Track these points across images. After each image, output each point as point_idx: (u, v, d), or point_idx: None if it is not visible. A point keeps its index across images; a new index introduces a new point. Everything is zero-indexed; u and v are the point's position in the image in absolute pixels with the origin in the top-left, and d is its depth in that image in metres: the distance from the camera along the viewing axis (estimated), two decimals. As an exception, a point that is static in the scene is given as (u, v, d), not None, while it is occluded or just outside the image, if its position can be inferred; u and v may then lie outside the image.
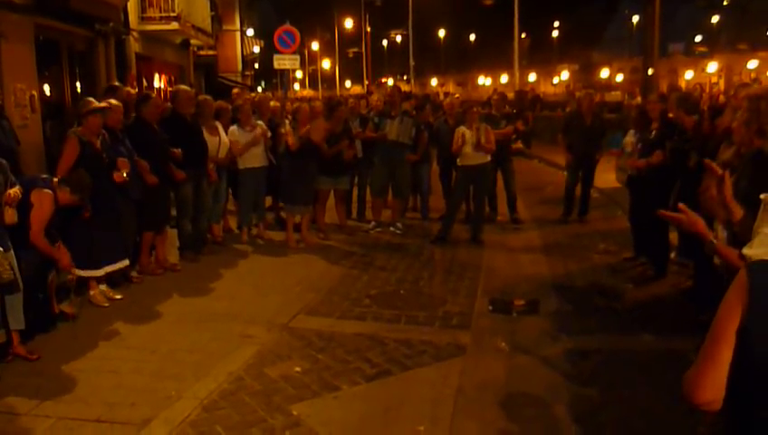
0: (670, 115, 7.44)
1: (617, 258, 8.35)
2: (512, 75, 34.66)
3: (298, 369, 5.13)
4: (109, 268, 6.70)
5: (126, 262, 6.95)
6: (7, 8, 9.83)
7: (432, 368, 5.19)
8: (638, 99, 15.78)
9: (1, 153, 5.86)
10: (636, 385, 4.85)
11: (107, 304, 6.59)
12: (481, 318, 6.36)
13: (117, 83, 8.40)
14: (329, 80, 71.37)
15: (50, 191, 5.51)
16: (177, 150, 7.64)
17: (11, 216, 5.07)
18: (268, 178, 9.31)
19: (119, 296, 6.75)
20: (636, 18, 65.01)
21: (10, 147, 7.09)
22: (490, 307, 6.65)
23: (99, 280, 6.69)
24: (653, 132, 7.55)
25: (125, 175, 6.60)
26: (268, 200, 10.11)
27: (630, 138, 8.12)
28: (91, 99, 6.84)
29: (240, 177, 9.15)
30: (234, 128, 9.00)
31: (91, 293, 6.63)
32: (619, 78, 62.75)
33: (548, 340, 5.79)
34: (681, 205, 2.83)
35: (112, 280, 6.91)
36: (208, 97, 9.23)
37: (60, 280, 6.04)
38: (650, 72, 15.03)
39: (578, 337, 5.80)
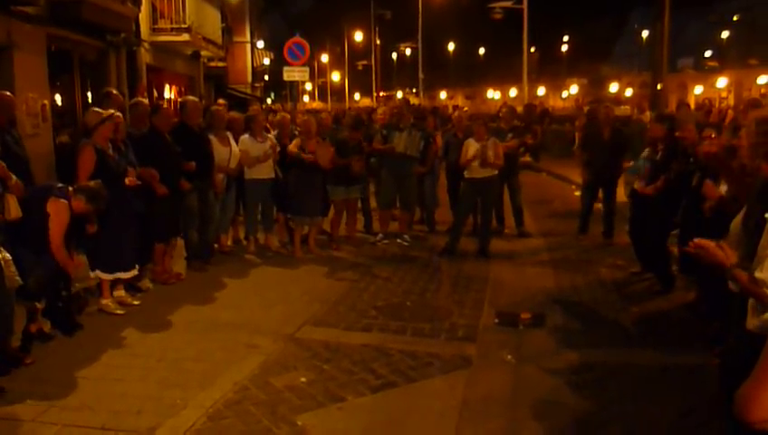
0: (677, 134, 7.36)
1: (624, 273, 8.33)
2: (521, 89, 34.67)
3: (303, 379, 5.13)
4: (127, 274, 6.79)
5: (135, 271, 6.98)
6: (20, 18, 9.94)
7: (438, 380, 5.19)
8: (648, 113, 15.74)
9: (15, 162, 5.88)
10: (642, 400, 4.83)
11: (120, 312, 6.62)
12: (487, 331, 6.34)
13: (113, 90, 8.41)
14: (338, 92, 71.54)
15: (65, 201, 5.55)
16: (191, 164, 7.71)
17: (16, 209, 5.10)
18: (276, 190, 9.36)
19: (136, 302, 6.83)
20: (645, 33, 65.07)
21: (24, 156, 7.13)
22: (496, 320, 6.64)
23: (115, 287, 6.77)
24: (659, 154, 7.51)
25: (135, 179, 6.68)
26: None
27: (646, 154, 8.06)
28: (98, 109, 6.91)
29: (246, 186, 9.21)
30: (245, 137, 9.08)
31: (103, 301, 6.67)
32: (629, 92, 62.72)
33: (554, 353, 5.78)
34: (699, 241, 2.87)
35: (128, 287, 6.99)
36: (220, 107, 9.27)
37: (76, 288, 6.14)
38: (659, 86, 15.02)
39: (584, 351, 5.78)
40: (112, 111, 6.82)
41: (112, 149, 6.63)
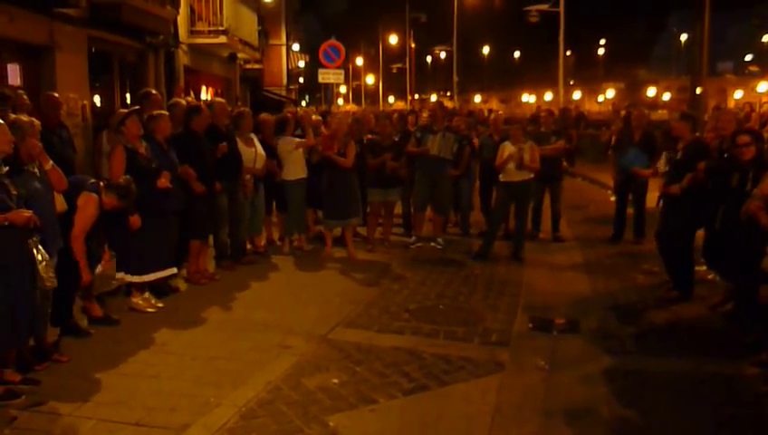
0: (697, 135, 7.31)
1: (660, 279, 8.18)
2: (556, 93, 34.35)
3: (335, 380, 5.14)
4: (155, 275, 6.81)
5: (174, 270, 7.05)
6: (63, 20, 10.15)
7: (470, 384, 5.15)
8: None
9: (59, 162, 5.99)
10: (678, 409, 4.74)
11: (151, 310, 6.69)
12: (521, 336, 6.29)
13: (152, 90, 8.53)
14: (372, 95, 71.63)
15: (96, 196, 5.63)
16: (223, 145, 7.82)
17: (61, 203, 5.19)
18: (310, 191, 9.41)
19: (160, 305, 6.84)
20: (684, 36, 64.16)
21: (67, 155, 7.26)
22: (530, 325, 6.58)
23: (142, 287, 6.78)
24: (679, 153, 7.39)
25: (167, 181, 6.71)
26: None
27: (663, 159, 8.02)
28: (122, 110, 7.00)
29: (288, 188, 9.28)
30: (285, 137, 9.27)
31: (134, 299, 6.74)
32: (666, 97, 61.79)
33: (588, 360, 5.70)
34: None
35: (155, 288, 7.01)
36: (247, 109, 9.39)
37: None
38: (698, 91, 14.76)
39: (619, 358, 5.70)
40: (136, 107, 6.92)
41: (147, 147, 6.68)
